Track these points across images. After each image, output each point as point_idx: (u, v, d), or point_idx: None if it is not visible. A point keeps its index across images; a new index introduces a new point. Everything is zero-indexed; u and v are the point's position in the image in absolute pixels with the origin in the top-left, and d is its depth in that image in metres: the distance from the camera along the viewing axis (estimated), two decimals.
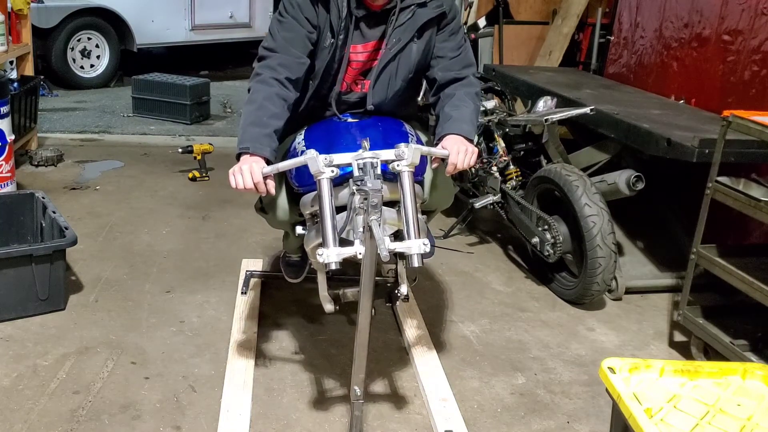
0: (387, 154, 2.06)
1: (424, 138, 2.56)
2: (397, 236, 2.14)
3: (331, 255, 1.95)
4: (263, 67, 2.29)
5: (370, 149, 2.06)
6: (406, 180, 2.05)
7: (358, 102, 2.47)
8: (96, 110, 6.47)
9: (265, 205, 2.52)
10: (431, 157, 2.29)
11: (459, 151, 2.22)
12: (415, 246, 1.98)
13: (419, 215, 2.22)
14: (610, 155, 3.60)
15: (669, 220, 3.69)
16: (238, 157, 2.15)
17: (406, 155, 2.03)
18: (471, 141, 2.31)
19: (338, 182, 2.13)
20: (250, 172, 2.06)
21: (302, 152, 2.16)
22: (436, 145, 2.29)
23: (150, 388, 2.47)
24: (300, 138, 2.39)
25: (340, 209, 2.11)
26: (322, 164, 2.00)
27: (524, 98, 4.42)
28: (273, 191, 2.13)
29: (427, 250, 2.02)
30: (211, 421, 2.30)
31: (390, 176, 2.10)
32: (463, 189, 3.99)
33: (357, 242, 2.00)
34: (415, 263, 1.99)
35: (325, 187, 2.02)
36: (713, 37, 3.76)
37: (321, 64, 2.38)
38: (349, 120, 2.44)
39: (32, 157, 4.72)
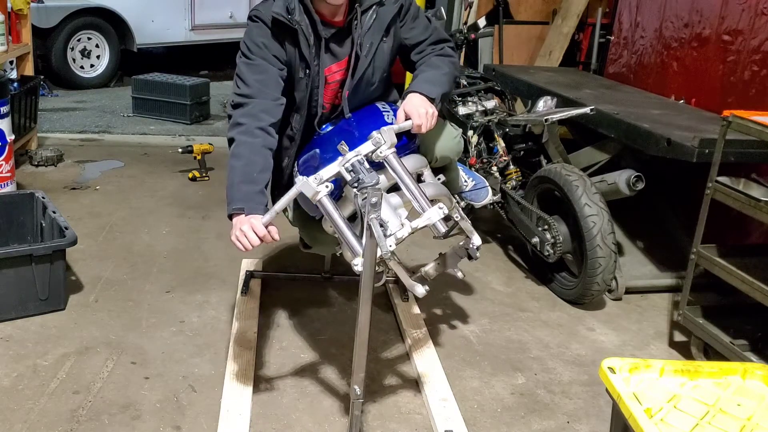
0: (366, 147, 2.08)
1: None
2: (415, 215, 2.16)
3: None
4: (244, 116, 2.23)
5: (351, 148, 2.07)
6: (394, 162, 2.09)
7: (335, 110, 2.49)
8: (96, 110, 6.47)
9: (307, 242, 2.61)
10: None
11: (420, 114, 2.23)
12: (434, 215, 2.02)
13: (430, 180, 2.31)
14: (610, 155, 3.61)
15: (669, 220, 3.69)
16: (230, 218, 2.13)
17: (382, 141, 2.06)
18: (432, 100, 2.30)
19: (340, 194, 2.16)
20: (252, 231, 2.05)
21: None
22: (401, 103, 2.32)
23: (150, 388, 2.47)
24: (296, 170, 2.42)
25: (356, 215, 2.13)
26: (314, 185, 2.01)
27: (524, 98, 4.41)
28: (278, 237, 2.10)
29: (446, 212, 2.04)
30: (211, 421, 2.30)
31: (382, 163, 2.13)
32: None
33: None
34: (441, 229, 2.03)
35: (327, 204, 2.04)
36: (713, 37, 3.76)
37: (301, 95, 2.37)
38: (328, 129, 2.45)
39: (32, 157, 4.72)
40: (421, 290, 2.41)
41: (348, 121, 2.41)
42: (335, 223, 2.05)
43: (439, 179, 2.47)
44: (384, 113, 2.37)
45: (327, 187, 2.03)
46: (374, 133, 2.07)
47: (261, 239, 2.06)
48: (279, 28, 2.27)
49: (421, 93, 2.31)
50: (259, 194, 2.14)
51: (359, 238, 2.01)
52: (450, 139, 2.54)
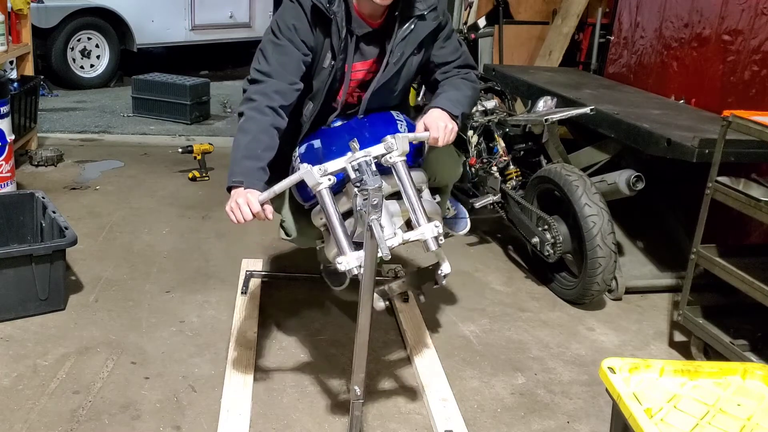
0: (377, 149, 2.07)
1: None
2: (410, 226, 2.16)
3: (350, 261, 1.97)
4: (258, 93, 2.23)
5: (361, 148, 2.06)
6: (402, 170, 2.07)
7: (350, 106, 2.48)
8: (96, 110, 6.47)
9: (288, 231, 2.57)
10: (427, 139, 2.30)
11: (438, 128, 2.24)
12: (428, 231, 2.01)
13: (428, 198, 2.28)
14: (610, 155, 3.61)
15: (669, 220, 3.69)
16: (228, 190, 2.13)
17: (395, 146, 2.05)
18: (455, 117, 2.32)
19: (339, 189, 2.14)
20: (247, 204, 2.05)
21: (299, 169, 2.17)
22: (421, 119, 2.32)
23: (150, 388, 2.47)
24: (295, 156, 2.41)
25: (349, 214, 2.12)
26: (317, 175, 2.00)
27: (524, 98, 4.42)
28: (271, 216, 2.10)
29: (440, 231, 2.04)
30: (211, 421, 2.30)
31: (387, 169, 2.11)
32: (463, 189, 3.99)
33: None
34: (432, 247, 2.02)
35: (326, 197, 2.03)
36: (713, 37, 3.76)
37: (320, 84, 2.36)
38: (337, 124, 2.45)
39: (32, 157, 4.72)
40: (380, 305, 2.40)
41: (361, 121, 2.41)
42: (329, 218, 2.03)
43: (434, 199, 2.48)
44: (398, 122, 2.37)
45: (330, 180, 2.03)
46: (388, 138, 2.06)
47: (254, 215, 2.06)
48: (315, 14, 2.26)
49: (443, 109, 2.31)
50: (260, 170, 2.14)
51: (349, 236, 2.00)
52: (453, 163, 2.58)
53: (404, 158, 2.08)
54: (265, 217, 2.08)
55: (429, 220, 2.05)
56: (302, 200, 2.37)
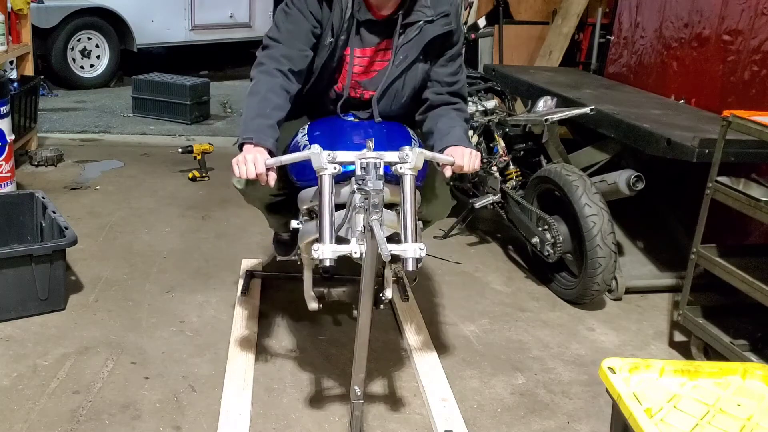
0: (391, 155, 2.06)
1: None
2: (392, 240, 2.14)
3: (326, 251, 1.95)
4: (267, 57, 2.29)
5: (374, 150, 2.06)
6: (408, 183, 2.05)
7: (358, 105, 2.48)
8: (96, 110, 6.47)
9: (248, 189, 2.53)
10: (441, 165, 2.28)
11: (464, 155, 2.24)
12: (411, 250, 1.98)
13: (417, 220, 2.22)
14: (610, 155, 3.61)
15: (669, 220, 3.69)
16: (240, 147, 2.15)
17: (410, 158, 2.03)
18: None
19: (338, 180, 2.13)
20: (253, 162, 2.06)
21: (305, 147, 2.16)
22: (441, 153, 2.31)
23: (150, 388, 2.47)
24: (303, 132, 2.39)
25: (338, 207, 2.11)
26: (325, 160, 2.00)
27: (524, 98, 4.42)
28: (272, 183, 2.12)
29: (423, 254, 2.02)
30: (211, 421, 2.30)
31: (391, 178, 2.10)
32: (463, 189, 3.99)
33: (353, 241, 2.00)
34: (410, 267, 1.98)
35: (327, 184, 2.02)
36: (713, 37, 3.76)
37: (320, 61, 2.38)
38: (352, 119, 2.45)
39: (32, 157, 4.72)
40: (313, 305, 2.41)
41: (378, 124, 2.41)
42: (323, 205, 2.01)
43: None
44: (413, 140, 2.37)
45: (335, 168, 2.02)
46: (406, 148, 2.04)
47: (257, 176, 2.07)
48: None
49: (461, 145, 2.31)
50: (270, 128, 2.17)
51: (333, 227, 1.99)
52: (445, 204, 2.60)
53: (415, 173, 2.07)
54: (266, 182, 2.09)
55: (415, 240, 2.03)
56: (295, 178, 2.36)
